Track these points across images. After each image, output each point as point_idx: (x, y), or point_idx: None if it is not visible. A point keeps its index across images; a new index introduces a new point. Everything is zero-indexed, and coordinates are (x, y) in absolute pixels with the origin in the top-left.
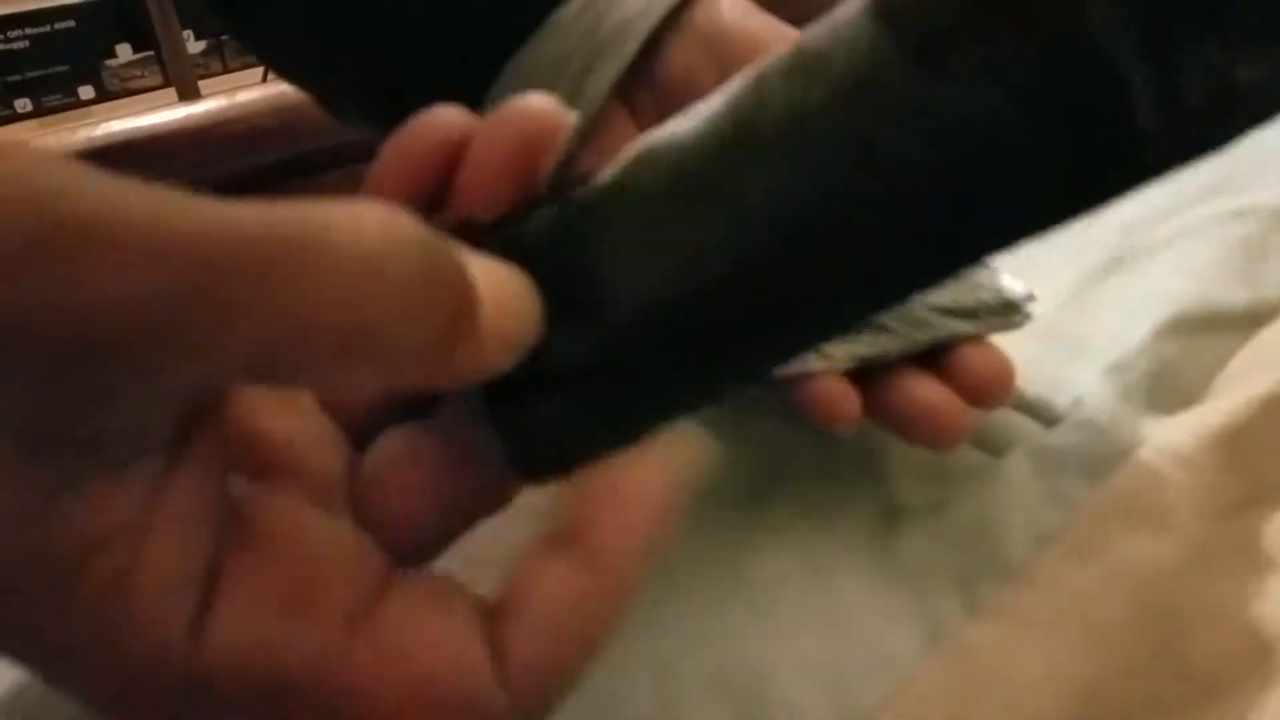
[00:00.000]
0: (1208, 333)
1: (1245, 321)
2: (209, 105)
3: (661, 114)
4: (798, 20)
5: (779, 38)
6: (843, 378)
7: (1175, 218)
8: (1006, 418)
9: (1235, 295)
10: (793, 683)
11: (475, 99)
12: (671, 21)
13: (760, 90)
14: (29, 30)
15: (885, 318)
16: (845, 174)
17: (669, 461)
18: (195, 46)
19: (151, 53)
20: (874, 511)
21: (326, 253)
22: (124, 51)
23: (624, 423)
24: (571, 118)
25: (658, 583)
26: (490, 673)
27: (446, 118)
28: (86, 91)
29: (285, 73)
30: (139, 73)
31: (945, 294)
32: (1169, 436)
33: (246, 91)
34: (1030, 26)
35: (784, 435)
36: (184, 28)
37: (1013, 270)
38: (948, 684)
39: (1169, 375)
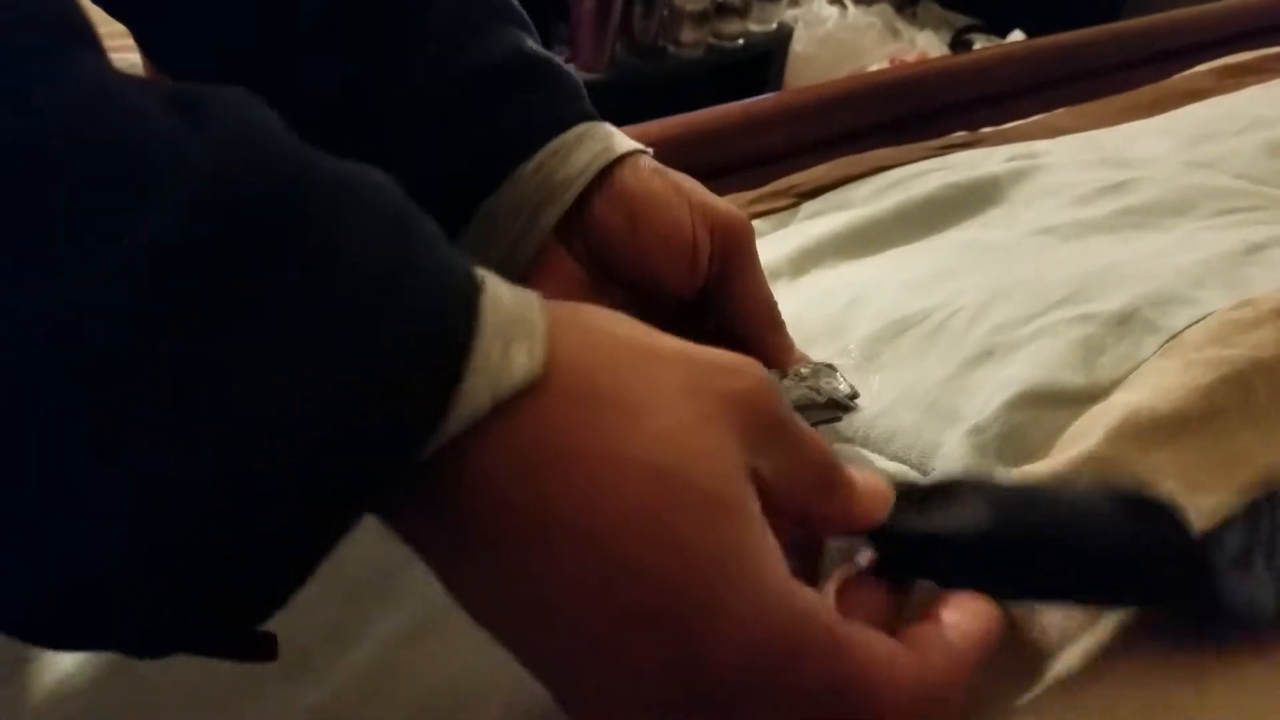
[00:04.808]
0: (1050, 406)
1: (1081, 398)
2: None
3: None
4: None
5: (675, 191)
6: None
7: (1036, 320)
8: (893, 466)
9: (1074, 379)
10: None
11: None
12: (603, 179)
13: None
14: None
15: None
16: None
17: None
18: None
19: None
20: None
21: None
22: None
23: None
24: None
25: None
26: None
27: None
28: None
29: None
30: None
31: (786, 395)
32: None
33: None
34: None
35: None
36: None
37: (908, 360)
38: None
39: (1015, 437)
